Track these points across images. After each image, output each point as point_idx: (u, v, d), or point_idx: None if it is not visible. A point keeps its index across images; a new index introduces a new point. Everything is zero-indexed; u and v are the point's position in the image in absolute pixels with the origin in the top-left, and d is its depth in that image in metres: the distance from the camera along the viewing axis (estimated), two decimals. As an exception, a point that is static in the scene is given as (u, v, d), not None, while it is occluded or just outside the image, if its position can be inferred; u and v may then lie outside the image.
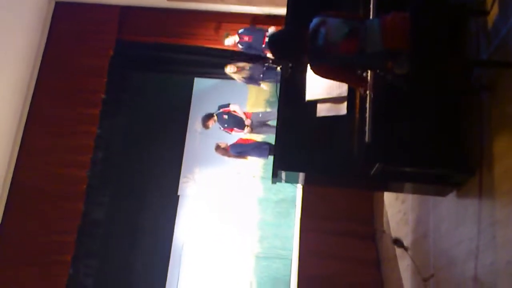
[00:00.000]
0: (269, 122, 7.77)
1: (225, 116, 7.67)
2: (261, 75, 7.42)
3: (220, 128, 7.74)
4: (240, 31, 7.24)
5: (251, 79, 7.53)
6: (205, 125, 7.72)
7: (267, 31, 7.13)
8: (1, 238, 6.75)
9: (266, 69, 7.38)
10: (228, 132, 7.75)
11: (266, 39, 7.11)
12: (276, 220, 8.49)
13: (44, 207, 6.89)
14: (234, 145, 7.52)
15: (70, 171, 7.05)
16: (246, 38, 7.26)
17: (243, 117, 7.68)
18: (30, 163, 7.03)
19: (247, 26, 7.32)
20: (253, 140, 7.71)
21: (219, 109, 7.75)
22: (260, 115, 7.83)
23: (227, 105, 7.75)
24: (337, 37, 3.13)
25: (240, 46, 7.27)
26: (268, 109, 8.55)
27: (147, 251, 8.37)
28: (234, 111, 7.68)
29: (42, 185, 6.96)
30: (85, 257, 7.22)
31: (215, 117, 7.67)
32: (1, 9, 6.48)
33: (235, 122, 7.67)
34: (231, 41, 7.26)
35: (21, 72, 7.10)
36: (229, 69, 7.40)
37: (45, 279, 6.71)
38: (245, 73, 7.45)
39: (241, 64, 7.39)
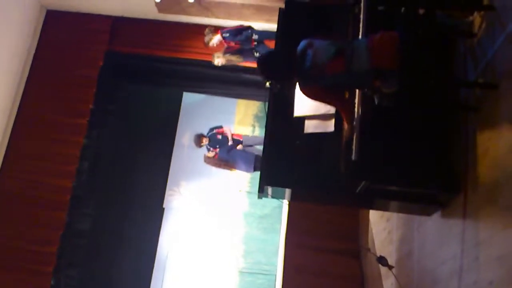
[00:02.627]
0: (257, 147, 7.79)
1: (219, 136, 7.67)
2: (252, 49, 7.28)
3: (209, 149, 7.73)
4: (224, 35, 7.11)
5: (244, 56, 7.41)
6: (198, 144, 7.68)
7: (253, 32, 7.08)
8: (-18, 246, 6.67)
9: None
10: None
11: (254, 42, 7.10)
12: (261, 235, 8.46)
13: (27, 215, 6.83)
14: (222, 150, 7.52)
15: (55, 180, 7.01)
16: (232, 44, 7.19)
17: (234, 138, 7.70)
18: (15, 171, 6.99)
19: (230, 28, 7.17)
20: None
21: (211, 130, 7.74)
22: (250, 139, 7.85)
23: (220, 127, 7.76)
24: (324, 58, 3.17)
25: (225, 36, 7.19)
26: (257, 129, 8.52)
27: (130, 263, 8.29)
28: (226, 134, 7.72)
29: (26, 193, 6.91)
30: (67, 268, 7.14)
31: (208, 138, 7.66)
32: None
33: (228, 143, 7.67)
34: (215, 41, 7.16)
35: (9, 78, 7.07)
36: (217, 62, 7.18)
37: (26, 288, 6.64)
38: (236, 61, 7.34)
39: (231, 57, 7.26)
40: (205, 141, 7.63)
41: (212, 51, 7.21)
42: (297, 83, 3.41)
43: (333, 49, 3.17)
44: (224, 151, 7.52)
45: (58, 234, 6.87)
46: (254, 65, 7.12)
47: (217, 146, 7.64)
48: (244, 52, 7.21)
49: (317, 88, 3.31)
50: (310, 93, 3.36)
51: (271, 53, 3.74)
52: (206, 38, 7.17)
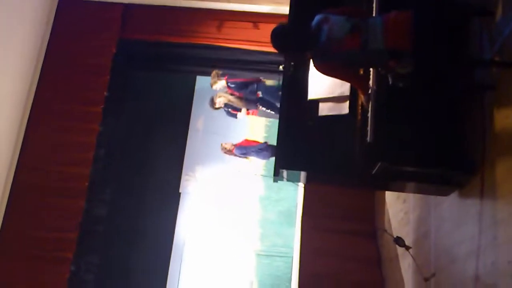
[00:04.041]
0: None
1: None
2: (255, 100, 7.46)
3: (227, 111, 7.71)
4: (230, 84, 7.28)
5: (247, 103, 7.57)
6: (212, 103, 7.69)
7: (258, 88, 7.24)
8: (3, 235, 6.76)
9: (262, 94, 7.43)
10: (234, 115, 7.72)
11: (260, 94, 7.29)
12: (277, 218, 8.50)
13: (46, 204, 6.90)
14: (239, 147, 7.60)
15: (72, 168, 7.06)
16: (236, 94, 7.35)
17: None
18: (32, 160, 7.04)
19: (237, 80, 7.36)
20: (257, 142, 7.75)
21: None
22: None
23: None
24: (340, 33, 3.14)
25: (231, 85, 7.34)
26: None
27: (148, 249, 8.38)
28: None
29: (44, 182, 6.97)
30: (86, 254, 7.22)
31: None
32: (5, 6, 6.48)
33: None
34: (219, 86, 7.32)
35: (24, 69, 7.11)
36: (219, 101, 7.40)
37: (47, 275, 6.72)
38: (237, 104, 7.52)
39: (231, 98, 7.44)
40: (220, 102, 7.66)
41: (224, 34, 7.22)
42: (311, 60, 3.37)
43: (349, 25, 3.14)
44: (240, 151, 7.60)
45: (77, 221, 6.94)
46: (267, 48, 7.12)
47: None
48: (247, 100, 7.41)
49: (332, 64, 3.27)
50: (324, 69, 3.32)
51: (285, 26, 3.54)
52: (212, 81, 7.30)
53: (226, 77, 7.33)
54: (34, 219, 6.85)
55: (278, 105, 7.23)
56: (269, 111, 7.44)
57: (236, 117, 7.74)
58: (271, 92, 7.32)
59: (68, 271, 6.79)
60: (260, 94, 7.32)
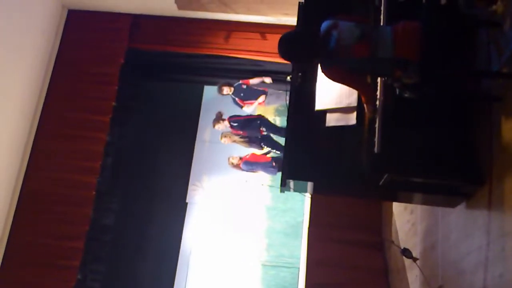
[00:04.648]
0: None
1: (244, 86, 7.68)
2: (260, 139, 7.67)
3: (234, 99, 7.71)
4: (232, 123, 7.49)
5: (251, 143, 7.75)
6: (220, 89, 7.67)
7: (261, 124, 7.42)
8: (10, 242, 6.80)
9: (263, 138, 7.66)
10: (239, 105, 7.72)
11: (264, 131, 7.51)
12: (284, 228, 8.48)
13: (54, 212, 6.94)
14: (246, 163, 7.62)
15: (79, 177, 7.10)
16: (240, 132, 7.54)
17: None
18: (41, 169, 7.09)
19: (239, 118, 7.57)
20: (264, 157, 7.76)
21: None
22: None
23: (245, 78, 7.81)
24: (350, 40, 3.13)
25: (233, 125, 7.53)
26: (278, 122, 8.47)
27: (155, 258, 8.38)
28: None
29: (51, 190, 7.02)
30: (92, 263, 7.25)
31: (233, 88, 7.65)
32: (14, 16, 6.55)
33: (251, 94, 7.68)
34: (222, 127, 7.56)
35: (33, 78, 7.17)
36: (224, 140, 7.64)
37: (53, 284, 6.76)
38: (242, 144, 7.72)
39: (236, 139, 7.62)
40: (228, 90, 7.63)
41: (232, 45, 7.29)
42: (319, 65, 3.35)
43: (358, 32, 3.13)
44: (247, 167, 7.65)
45: (84, 230, 6.97)
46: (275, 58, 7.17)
47: (242, 95, 7.66)
48: (251, 140, 7.63)
49: (340, 70, 3.24)
50: (332, 75, 3.29)
51: (293, 33, 3.48)
52: (214, 122, 7.47)
53: (228, 118, 7.55)
54: (41, 227, 6.89)
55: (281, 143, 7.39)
56: (274, 151, 7.62)
57: (241, 108, 7.77)
58: (274, 126, 7.48)
59: (74, 279, 6.81)
60: (264, 130, 7.47)
